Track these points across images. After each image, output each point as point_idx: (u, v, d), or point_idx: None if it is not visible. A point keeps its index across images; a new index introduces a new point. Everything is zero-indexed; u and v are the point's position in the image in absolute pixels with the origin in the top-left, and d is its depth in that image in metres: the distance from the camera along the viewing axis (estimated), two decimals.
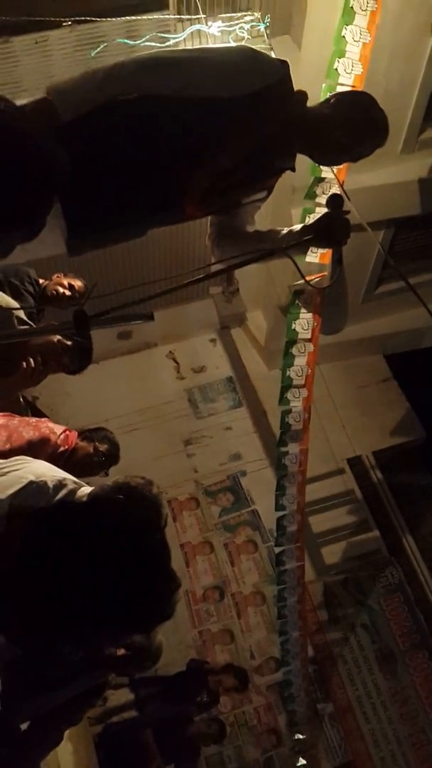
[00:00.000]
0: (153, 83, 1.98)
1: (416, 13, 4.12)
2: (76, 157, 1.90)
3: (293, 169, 2.35)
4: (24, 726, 2.51)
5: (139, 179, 2.08)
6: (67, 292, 3.60)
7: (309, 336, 4.06)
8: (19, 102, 1.96)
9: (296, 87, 2.24)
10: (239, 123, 2.10)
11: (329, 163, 2.77)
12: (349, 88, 3.44)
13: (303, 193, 3.81)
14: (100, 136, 1.96)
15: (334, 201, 2.24)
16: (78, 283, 3.66)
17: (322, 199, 3.62)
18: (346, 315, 2.82)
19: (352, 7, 3.40)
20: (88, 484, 2.19)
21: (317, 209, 3.66)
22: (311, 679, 5.52)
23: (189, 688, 4.96)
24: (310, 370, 4.21)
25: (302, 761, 5.21)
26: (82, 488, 2.10)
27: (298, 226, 2.35)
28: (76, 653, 2.03)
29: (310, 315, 3.99)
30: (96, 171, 2.00)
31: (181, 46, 4.13)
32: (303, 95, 2.25)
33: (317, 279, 3.49)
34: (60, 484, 2.01)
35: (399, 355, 6.96)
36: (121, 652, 2.54)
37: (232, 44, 3.94)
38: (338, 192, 3.55)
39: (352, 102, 2.32)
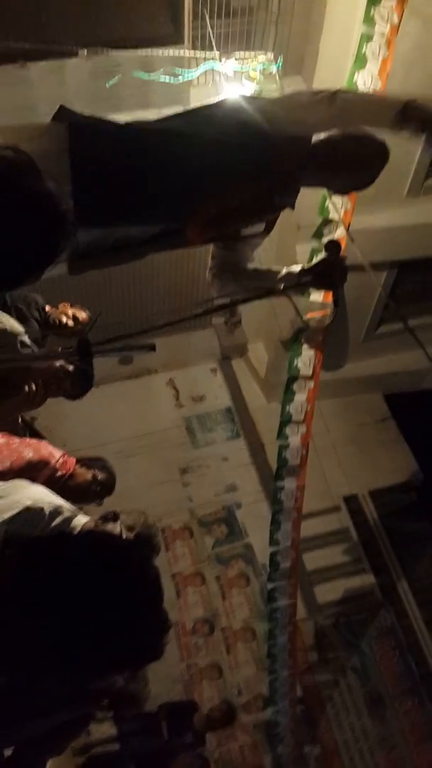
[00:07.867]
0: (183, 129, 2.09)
1: (426, 62, 4.21)
2: (84, 181, 1.95)
3: (293, 207, 2.41)
4: (7, 752, 2.46)
5: (147, 206, 2.15)
6: (70, 322, 3.62)
7: (310, 373, 4.08)
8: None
9: None
10: (256, 163, 2.20)
11: (337, 190, 2.81)
12: None
13: (307, 230, 3.87)
14: (117, 171, 2.03)
15: (332, 247, 2.32)
16: (82, 315, 3.69)
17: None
18: (347, 353, 2.85)
19: (364, 54, 3.48)
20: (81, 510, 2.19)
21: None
22: (299, 720, 5.42)
23: (174, 727, 4.87)
24: (309, 407, 4.21)
25: None
26: (78, 516, 2.10)
27: (296, 267, 2.41)
28: (61, 687, 2.00)
29: (312, 352, 4.01)
30: (104, 197, 2.05)
31: (195, 83, 4.23)
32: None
33: (319, 317, 3.52)
34: (56, 511, 2.01)
35: (398, 395, 6.96)
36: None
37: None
38: (342, 233, 3.62)
39: (351, 131, 2.38)
